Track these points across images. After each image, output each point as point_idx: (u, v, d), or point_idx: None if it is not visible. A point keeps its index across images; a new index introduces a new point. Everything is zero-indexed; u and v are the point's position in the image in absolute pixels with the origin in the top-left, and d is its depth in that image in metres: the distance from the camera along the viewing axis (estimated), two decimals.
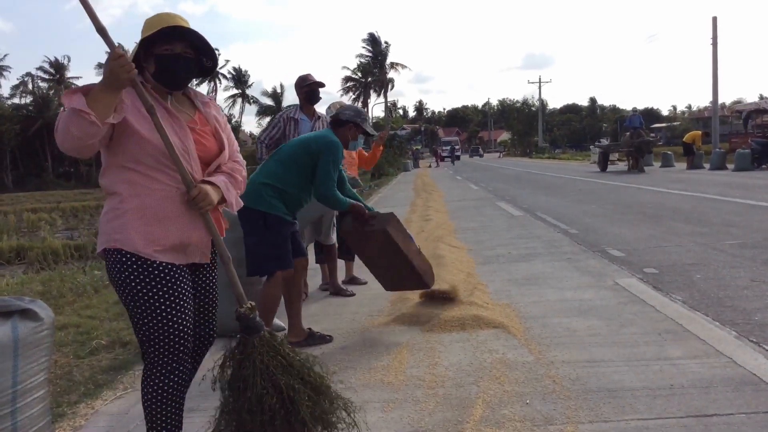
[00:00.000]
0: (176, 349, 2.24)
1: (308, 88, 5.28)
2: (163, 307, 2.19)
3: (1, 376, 2.14)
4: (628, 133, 23.28)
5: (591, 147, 45.27)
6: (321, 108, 5.50)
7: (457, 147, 65.44)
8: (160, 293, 2.18)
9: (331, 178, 3.87)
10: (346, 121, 4.10)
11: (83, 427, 3.00)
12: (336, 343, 4.06)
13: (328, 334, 4.14)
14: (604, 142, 46.63)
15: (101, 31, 2.07)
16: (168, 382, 2.26)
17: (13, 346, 2.17)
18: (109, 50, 2.07)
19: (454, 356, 3.62)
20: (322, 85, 5.33)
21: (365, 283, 5.81)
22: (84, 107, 1.94)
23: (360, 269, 6.22)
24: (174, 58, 2.26)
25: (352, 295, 5.37)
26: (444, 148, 66.87)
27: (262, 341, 2.27)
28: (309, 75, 5.33)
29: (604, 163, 24.70)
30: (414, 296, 4.87)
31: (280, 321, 4.31)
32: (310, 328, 4.15)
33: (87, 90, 2.02)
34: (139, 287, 2.17)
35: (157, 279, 2.18)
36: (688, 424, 2.58)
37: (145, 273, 2.17)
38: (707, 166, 21.96)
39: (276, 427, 2.14)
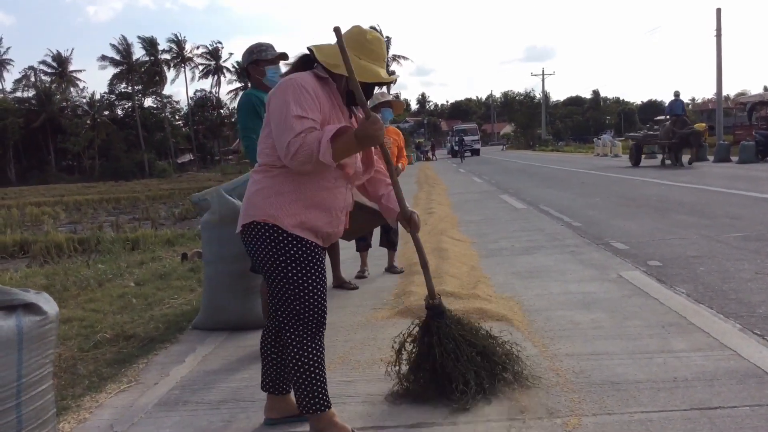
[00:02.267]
0: (320, 317, 2.52)
1: None
2: (310, 281, 2.46)
3: (5, 370, 2.14)
4: (667, 122, 19.87)
5: (594, 139, 44.88)
6: None
7: (474, 138, 49.54)
8: (307, 268, 2.45)
9: (249, 128, 3.72)
10: (246, 67, 3.90)
11: (88, 420, 3.00)
12: (339, 336, 4.06)
13: None
14: (607, 135, 46.35)
15: (362, 102, 2.34)
16: (316, 346, 2.52)
17: (17, 340, 2.17)
18: (363, 113, 2.32)
19: None
20: None
21: (366, 276, 5.81)
22: (330, 162, 2.21)
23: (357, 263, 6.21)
24: (373, 86, 2.56)
25: (356, 288, 5.37)
26: (455, 138, 47.38)
27: (450, 319, 2.96)
28: None
29: (637, 157, 21.28)
30: (418, 290, 4.87)
31: None
32: None
33: (337, 135, 2.23)
34: (288, 261, 2.42)
35: (306, 255, 2.44)
36: (692, 416, 2.58)
37: (295, 249, 2.42)
38: (711, 158, 21.86)
39: (482, 376, 2.88)
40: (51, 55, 68.95)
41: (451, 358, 2.82)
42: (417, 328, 3.00)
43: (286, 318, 2.49)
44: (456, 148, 43.73)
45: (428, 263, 2.90)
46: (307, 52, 2.48)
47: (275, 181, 2.41)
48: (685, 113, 19.83)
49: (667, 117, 19.92)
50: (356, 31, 2.45)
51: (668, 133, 19.15)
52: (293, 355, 2.49)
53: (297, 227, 2.41)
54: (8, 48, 79.64)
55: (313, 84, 2.35)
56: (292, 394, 2.80)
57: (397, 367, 2.99)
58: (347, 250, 5.98)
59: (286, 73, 2.51)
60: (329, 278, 5.63)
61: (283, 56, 3.87)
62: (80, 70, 75.75)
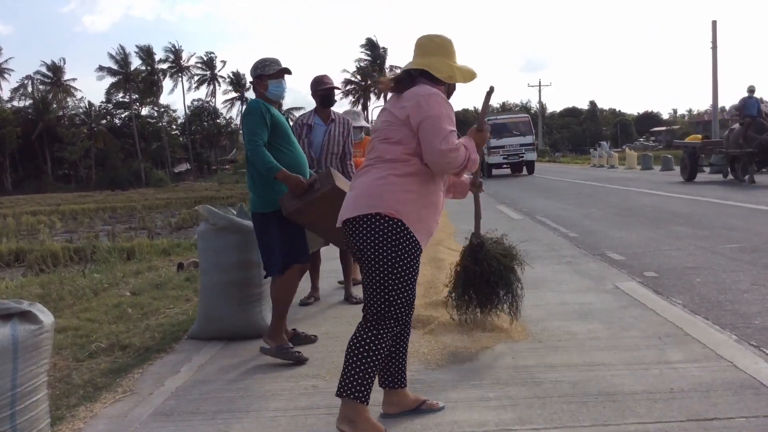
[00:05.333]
0: (407, 314, 2.70)
1: (323, 91, 5.24)
2: (411, 278, 2.64)
3: (0, 379, 2.13)
4: (736, 126, 15.55)
5: (591, 150, 44.89)
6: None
7: (525, 143, 27.17)
8: (413, 266, 2.64)
9: (255, 134, 3.75)
10: (253, 80, 3.99)
11: (82, 430, 2.99)
12: (336, 345, 4.04)
13: (313, 334, 4.22)
14: (605, 144, 46.38)
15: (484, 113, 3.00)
16: (388, 343, 2.64)
17: (12, 349, 2.16)
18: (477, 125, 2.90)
19: (455, 359, 3.61)
20: (337, 88, 5.33)
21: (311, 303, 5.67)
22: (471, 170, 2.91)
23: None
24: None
25: (360, 302, 5.20)
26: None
27: (493, 244, 4.04)
28: (325, 77, 5.27)
29: (692, 169, 17.02)
30: (417, 301, 4.86)
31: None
32: (294, 329, 4.18)
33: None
34: (403, 256, 2.59)
35: (414, 253, 2.64)
36: (688, 427, 2.58)
37: (410, 245, 2.61)
38: (707, 169, 21.87)
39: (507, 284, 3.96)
40: (46, 64, 69.05)
41: (496, 275, 3.91)
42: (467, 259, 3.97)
43: (379, 309, 2.60)
44: (506, 159, 25.68)
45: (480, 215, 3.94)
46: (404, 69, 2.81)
47: (405, 180, 2.62)
48: (762, 114, 15.07)
49: (743, 117, 15.17)
50: (439, 41, 2.76)
51: (738, 140, 14.87)
52: (366, 340, 2.59)
53: (416, 224, 2.62)
54: (9, 58, 79.19)
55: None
56: (408, 389, 2.92)
57: (452, 290, 4.06)
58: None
59: (397, 83, 2.77)
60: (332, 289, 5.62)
61: (286, 71, 3.99)
62: (74, 79, 75.56)
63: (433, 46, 2.75)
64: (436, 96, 2.64)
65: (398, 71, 2.84)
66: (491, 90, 3.01)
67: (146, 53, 68.50)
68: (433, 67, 2.70)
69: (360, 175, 2.74)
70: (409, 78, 2.74)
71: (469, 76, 2.78)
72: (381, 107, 2.85)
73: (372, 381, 2.60)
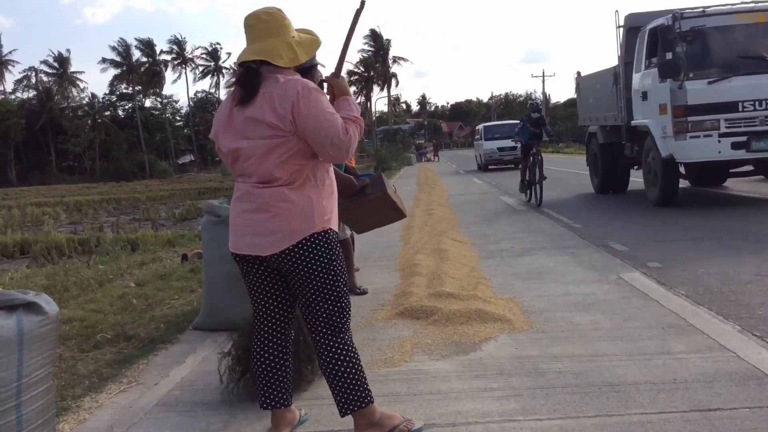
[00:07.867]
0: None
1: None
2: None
3: (5, 370, 2.14)
4: None
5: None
6: None
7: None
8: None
9: None
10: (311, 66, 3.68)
11: (87, 421, 3.01)
12: None
13: None
14: None
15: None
16: (352, 340, 2.56)
17: (18, 340, 2.18)
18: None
19: (458, 350, 3.62)
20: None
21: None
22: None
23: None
24: None
25: (365, 293, 5.25)
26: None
27: None
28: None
29: None
30: (418, 290, 4.88)
31: None
32: None
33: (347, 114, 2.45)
34: (339, 258, 2.49)
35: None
36: (691, 418, 2.58)
37: (338, 244, 2.52)
38: None
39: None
40: (52, 55, 69.11)
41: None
42: None
43: (338, 319, 2.47)
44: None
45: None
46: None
47: (319, 188, 2.43)
48: None
49: None
50: (268, 18, 2.40)
51: None
52: (351, 353, 2.48)
53: (335, 218, 2.52)
54: (13, 50, 79.35)
55: None
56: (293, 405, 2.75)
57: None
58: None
59: (247, 87, 2.35)
60: None
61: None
62: (81, 71, 75.84)
63: (266, 27, 2.38)
64: (308, 86, 2.32)
65: (233, 69, 2.50)
66: (362, 6, 2.57)
67: (147, 45, 68.45)
68: (272, 54, 2.34)
69: (257, 193, 2.38)
70: (255, 75, 2.34)
71: (311, 46, 2.46)
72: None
73: (366, 379, 2.51)
